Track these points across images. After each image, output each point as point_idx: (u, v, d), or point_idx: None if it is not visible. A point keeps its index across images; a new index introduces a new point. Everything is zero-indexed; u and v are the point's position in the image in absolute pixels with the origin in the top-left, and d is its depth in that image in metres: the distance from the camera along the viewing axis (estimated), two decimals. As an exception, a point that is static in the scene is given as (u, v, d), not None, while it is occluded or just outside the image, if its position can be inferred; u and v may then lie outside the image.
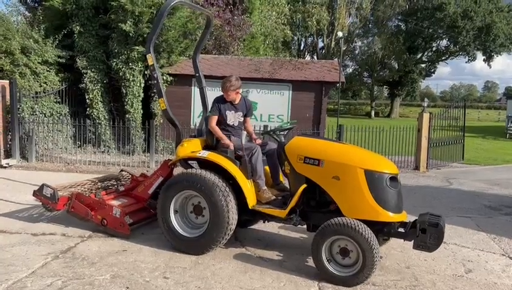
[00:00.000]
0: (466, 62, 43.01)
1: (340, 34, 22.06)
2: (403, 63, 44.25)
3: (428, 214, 4.30)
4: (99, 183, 5.99)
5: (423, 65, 47.02)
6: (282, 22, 28.18)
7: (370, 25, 47.73)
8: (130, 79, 11.25)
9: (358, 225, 3.94)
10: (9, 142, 9.92)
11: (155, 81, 5.11)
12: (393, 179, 4.23)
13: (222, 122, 5.06)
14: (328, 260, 4.09)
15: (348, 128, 10.61)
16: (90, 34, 11.31)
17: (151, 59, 4.98)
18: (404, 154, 11.39)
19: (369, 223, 4.08)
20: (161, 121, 11.65)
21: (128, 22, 10.65)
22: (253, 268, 4.36)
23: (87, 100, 11.45)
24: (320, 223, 4.18)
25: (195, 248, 4.62)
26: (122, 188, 5.80)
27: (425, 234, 4.04)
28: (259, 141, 5.18)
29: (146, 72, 11.50)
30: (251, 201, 4.58)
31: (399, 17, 44.27)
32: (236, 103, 5.13)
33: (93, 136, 11.44)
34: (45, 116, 10.67)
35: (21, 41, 10.37)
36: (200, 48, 6.22)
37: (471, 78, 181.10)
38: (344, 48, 46.28)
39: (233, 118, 5.10)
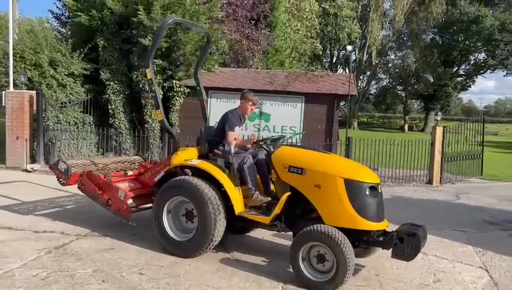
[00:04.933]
0: (504, 76, 41.54)
1: (349, 47, 21.88)
2: (437, 77, 43.37)
3: (409, 224, 4.38)
4: (111, 165, 6.29)
5: (459, 79, 45.83)
6: (312, 35, 28.49)
7: (404, 38, 47.23)
8: (149, 90, 11.82)
9: (335, 233, 4.04)
10: (35, 149, 10.64)
11: (153, 94, 5.36)
12: (373, 188, 4.34)
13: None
14: (304, 265, 4.22)
15: (360, 142, 10.75)
16: (114, 48, 11.99)
17: (149, 73, 5.21)
18: (419, 168, 11.35)
19: (348, 231, 4.20)
20: (178, 130, 12.16)
21: (148, 36, 11.25)
22: (225, 269, 4.60)
23: (110, 110, 12.10)
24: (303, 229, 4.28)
25: (183, 251, 4.84)
26: (130, 173, 5.99)
27: (403, 243, 4.14)
28: (249, 150, 5.32)
29: (165, 84, 12.07)
30: (238, 207, 4.76)
31: (434, 30, 43.49)
32: (245, 117, 5.36)
33: (116, 144, 12.06)
34: (69, 124, 11.38)
35: (49, 55, 11.17)
36: (200, 63, 6.54)
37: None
38: (377, 61, 45.96)
39: (238, 131, 5.33)
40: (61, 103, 11.36)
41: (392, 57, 49.64)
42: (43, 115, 10.58)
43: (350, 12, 37.02)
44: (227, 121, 5.12)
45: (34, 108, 10.57)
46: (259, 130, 12.04)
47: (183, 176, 5.02)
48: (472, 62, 45.49)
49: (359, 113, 55.05)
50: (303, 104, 11.95)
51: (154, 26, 11.08)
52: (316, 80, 12.51)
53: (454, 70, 44.66)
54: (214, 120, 11.87)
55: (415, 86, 47.09)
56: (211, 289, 4.10)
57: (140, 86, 11.80)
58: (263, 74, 13.19)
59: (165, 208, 4.96)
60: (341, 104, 17.28)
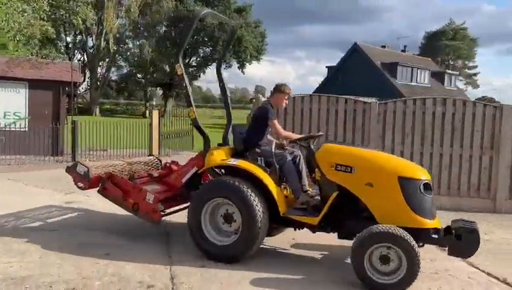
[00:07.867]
0: (224, 68, 49.08)
1: (69, 39, 22.55)
2: (172, 67, 47.56)
3: (461, 220, 4.38)
4: (128, 167, 5.83)
5: (191, 69, 51.43)
6: (41, 17, 27.12)
7: (141, 28, 49.54)
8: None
9: (405, 234, 3.92)
10: None
11: (184, 91, 5.13)
12: (427, 185, 4.30)
13: (265, 133, 5.18)
14: (368, 268, 4.04)
15: (87, 124, 11.90)
16: None
17: (180, 69, 5.03)
18: (142, 147, 13.32)
19: (405, 230, 4.06)
20: None
21: None
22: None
23: None
24: (352, 229, 4.25)
25: (227, 254, 4.59)
26: (155, 174, 5.73)
27: (461, 240, 4.11)
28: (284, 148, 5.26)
29: None
30: (282, 208, 4.60)
31: (167, 23, 47.28)
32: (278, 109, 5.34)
33: None
34: None
35: None
36: (223, 59, 6.34)
37: (246, 82, 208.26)
38: (115, 48, 46.78)
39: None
40: None
41: (131, 45, 51.38)
42: None
43: (84, -3, 36.52)
44: (267, 113, 5.02)
45: None
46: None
47: (224, 177, 4.80)
48: (201, 55, 51.78)
49: (103, 100, 54.99)
50: (27, 90, 12.18)
51: None
52: (40, 67, 12.85)
53: (186, 61, 49.79)
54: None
55: (154, 75, 50.28)
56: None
57: None
58: (-21, 58, 12.60)
59: (204, 211, 4.69)
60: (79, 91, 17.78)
